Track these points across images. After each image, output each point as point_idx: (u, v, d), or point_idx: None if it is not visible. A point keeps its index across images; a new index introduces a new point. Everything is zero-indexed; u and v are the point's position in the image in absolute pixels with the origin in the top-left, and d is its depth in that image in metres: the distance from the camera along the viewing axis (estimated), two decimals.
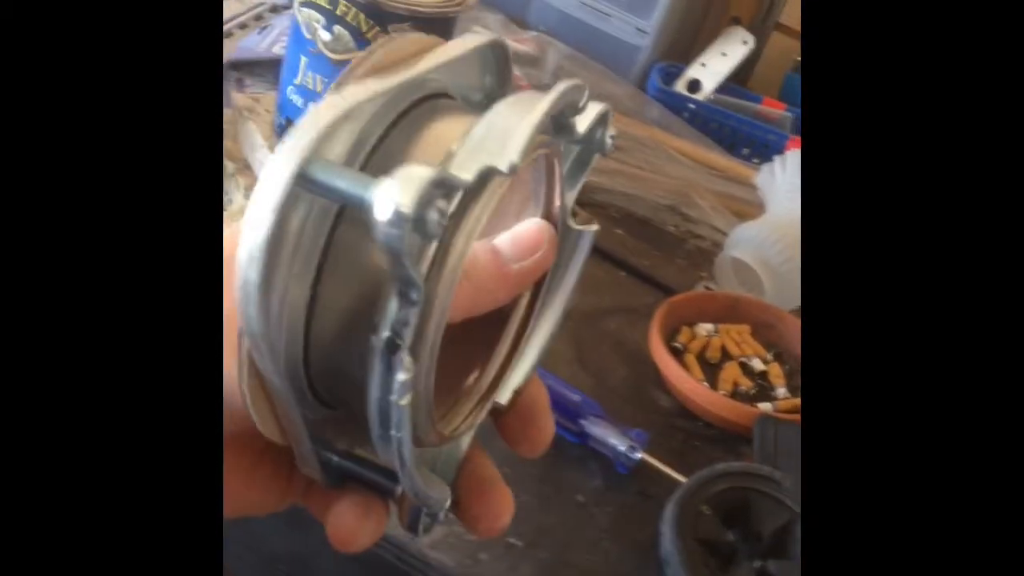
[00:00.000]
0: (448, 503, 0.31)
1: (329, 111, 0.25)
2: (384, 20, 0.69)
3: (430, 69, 0.28)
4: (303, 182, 0.24)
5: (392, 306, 0.24)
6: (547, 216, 0.32)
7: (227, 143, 0.81)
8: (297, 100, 0.75)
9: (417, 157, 0.27)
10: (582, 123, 0.30)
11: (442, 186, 0.23)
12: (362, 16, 0.69)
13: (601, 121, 0.31)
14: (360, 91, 0.26)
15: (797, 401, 0.80)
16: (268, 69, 0.98)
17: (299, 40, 0.73)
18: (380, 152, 0.27)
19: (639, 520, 0.67)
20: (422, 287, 0.24)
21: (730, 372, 0.81)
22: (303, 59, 0.73)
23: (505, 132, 0.26)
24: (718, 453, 0.75)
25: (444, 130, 0.28)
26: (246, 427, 0.28)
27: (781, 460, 0.71)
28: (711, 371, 0.82)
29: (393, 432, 0.26)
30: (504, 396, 0.34)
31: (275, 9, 1.05)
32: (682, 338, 0.84)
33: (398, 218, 0.22)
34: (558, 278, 0.35)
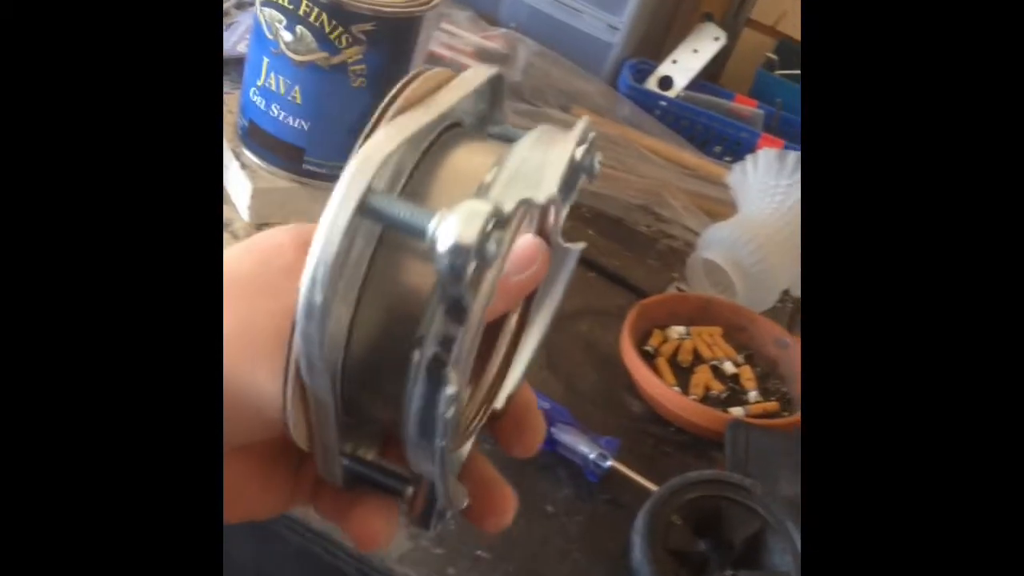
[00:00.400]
0: (466, 502, 0.33)
1: (383, 147, 0.27)
2: (348, 20, 0.68)
3: (455, 104, 0.31)
4: (366, 212, 0.26)
5: (439, 324, 0.26)
6: (540, 233, 0.34)
7: None
8: (260, 102, 0.73)
9: (451, 186, 0.30)
10: (579, 151, 0.32)
11: (495, 219, 0.25)
12: (325, 16, 0.67)
13: (591, 148, 0.33)
14: (404, 126, 0.28)
15: (769, 405, 0.79)
16: (234, 67, 0.96)
17: (261, 41, 0.71)
18: (414, 180, 0.30)
19: (609, 529, 0.66)
20: (470, 308, 0.26)
21: (701, 376, 0.80)
22: (265, 60, 0.71)
23: (538, 166, 0.29)
24: (689, 459, 0.75)
25: (468, 160, 0.31)
26: (267, 434, 0.30)
27: (753, 466, 0.70)
28: (683, 375, 0.81)
29: (437, 441, 0.28)
30: (500, 402, 0.36)
31: (240, 6, 1.03)
32: (654, 341, 0.83)
33: (462, 249, 0.25)
34: (546, 292, 0.37)
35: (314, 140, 0.73)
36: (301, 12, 0.68)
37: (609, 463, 0.68)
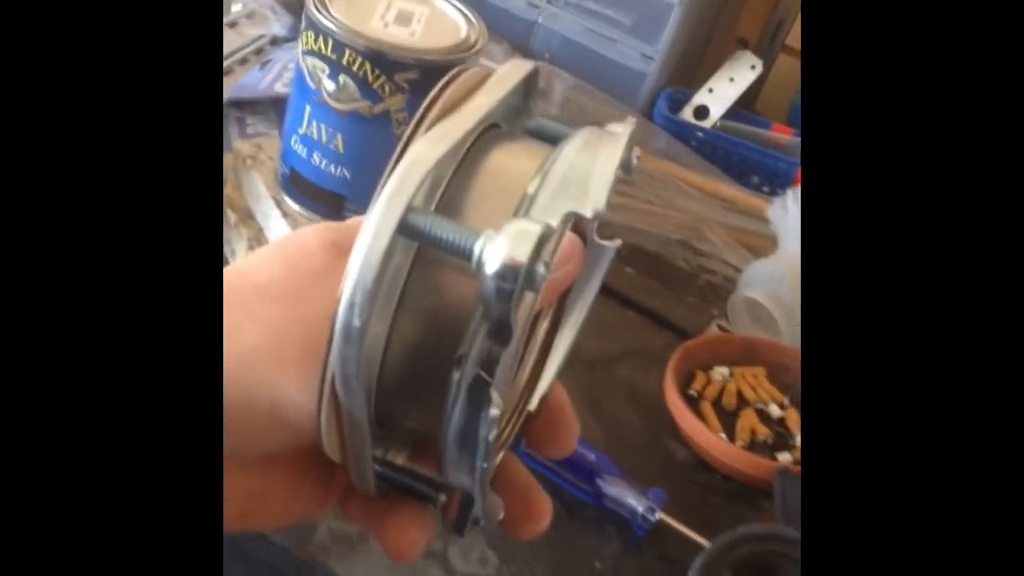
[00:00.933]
0: (502, 514, 0.32)
1: (422, 161, 0.26)
2: (391, 69, 0.67)
3: (495, 107, 0.30)
4: (405, 231, 0.25)
5: (482, 345, 0.26)
6: (575, 229, 0.34)
7: (228, 191, 0.79)
8: (301, 150, 0.73)
9: (493, 195, 0.29)
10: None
11: (544, 240, 0.25)
12: (368, 65, 0.67)
13: (631, 143, 0.32)
14: (443, 136, 0.27)
15: None
16: (269, 107, 0.96)
17: (303, 89, 0.70)
18: (453, 188, 0.28)
19: None
20: (516, 331, 0.25)
21: (747, 420, 0.79)
22: (307, 108, 0.71)
23: (584, 175, 0.28)
24: (738, 509, 0.73)
25: (510, 164, 0.30)
26: (297, 443, 0.30)
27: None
28: (728, 419, 0.80)
29: (479, 463, 0.27)
30: (533, 403, 0.35)
31: (275, 42, 1.03)
32: (697, 384, 0.81)
33: (511, 273, 0.24)
34: (581, 290, 0.37)
35: (356, 188, 0.73)
36: (344, 61, 0.67)
37: (658, 516, 0.67)
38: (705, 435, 0.75)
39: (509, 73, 0.32)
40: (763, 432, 0.79)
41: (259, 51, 1.01)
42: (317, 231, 0.31)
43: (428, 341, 0.28)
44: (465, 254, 0.25)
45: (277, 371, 0.28)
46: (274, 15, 1.05)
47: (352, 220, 0.32)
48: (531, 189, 0.28)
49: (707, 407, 0.80)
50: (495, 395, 0.26)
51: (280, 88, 0.94)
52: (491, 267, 0.24)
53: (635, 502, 0.68)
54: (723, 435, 0.77)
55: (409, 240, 0.26)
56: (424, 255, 0.28)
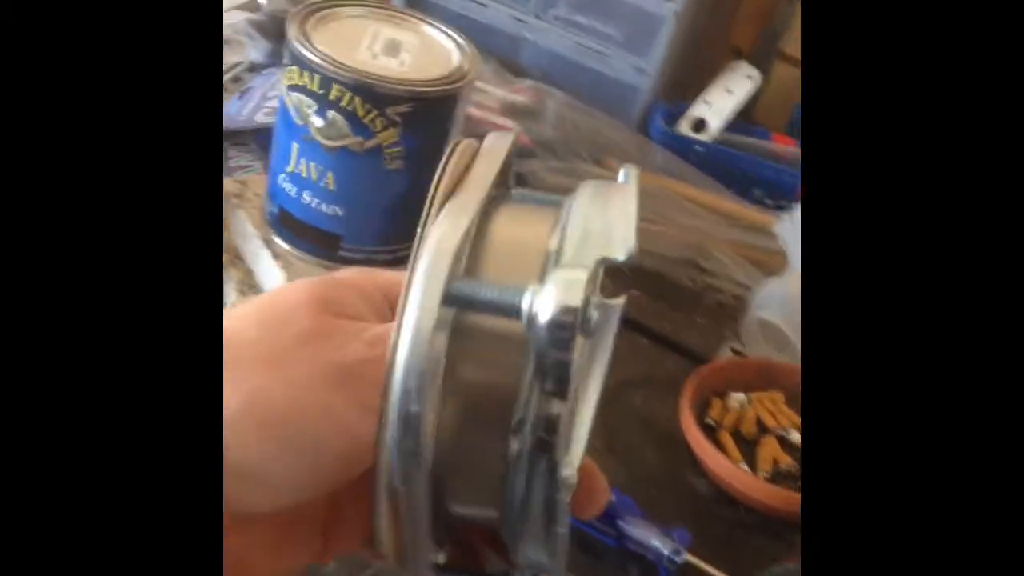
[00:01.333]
0: None
1: (452, 235, 0.26)
2: (382, 103, 0.64)
3: (496, 178, 0.29)
4: (451, 301, 0.25)
5: (540, 405, 0.25)
6: None
7: None
8: (290, 189, 0.69)
9: (514, 259, 0.28)
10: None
11: (593, 285, 0.24)
12: (358, 100, 0.63)
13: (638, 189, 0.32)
14: (462, 209, 0.27)
15: None
16: (251, 138, 0.92)
17: (289, 126, 0.67)
18: (469, 261, 0.28)
19: None
20: (574, 384, 0.25)
21: (768, 449, 0.76)
22: (295, 146, 0.67)
23: (604, 224, 0.27)
24: (765, 543, 0.70)
25: (519, 230, 0.29)
26: (272, 508, 0.28)
27: None
28: (748, 448, 0.76)
29: (558, 528, 0.26)
30: (570, 472, 0.34)
31: (253, 68, 0.99)
32: (713, 413, 0.78)
33: (567, 320, 0.23)
34: (593, 355, 0.35)
35: (350, 226, 0.69)
36: (332, 97, 0.63)
37: (684, 557, 0.64)
38: (727, 467, 0.72)
39: (496, 143, 0.31)
40: (785, 461, 0.75)
41: (236, 79, 0.97)
42: (307, 287, 0.30)
43: (479, 420, 0.27)
44: (513, 311, 0.25)
45: (258, 437, 0.27)
46: (250, 40, 1.01)
47: (342, 272, 0.32)
48: (552, 246, 0.27)
49: (726, 436, 0.76)
50: (563, 454, 0.25)
51: (262, 118, 0.90)
52: (544, 316, 0.24)
53: (660, 543, 0.64)
54: (744, 466, 0.74)
55: (455, 308, 0.26)
56: (460, 331, 0.27)
